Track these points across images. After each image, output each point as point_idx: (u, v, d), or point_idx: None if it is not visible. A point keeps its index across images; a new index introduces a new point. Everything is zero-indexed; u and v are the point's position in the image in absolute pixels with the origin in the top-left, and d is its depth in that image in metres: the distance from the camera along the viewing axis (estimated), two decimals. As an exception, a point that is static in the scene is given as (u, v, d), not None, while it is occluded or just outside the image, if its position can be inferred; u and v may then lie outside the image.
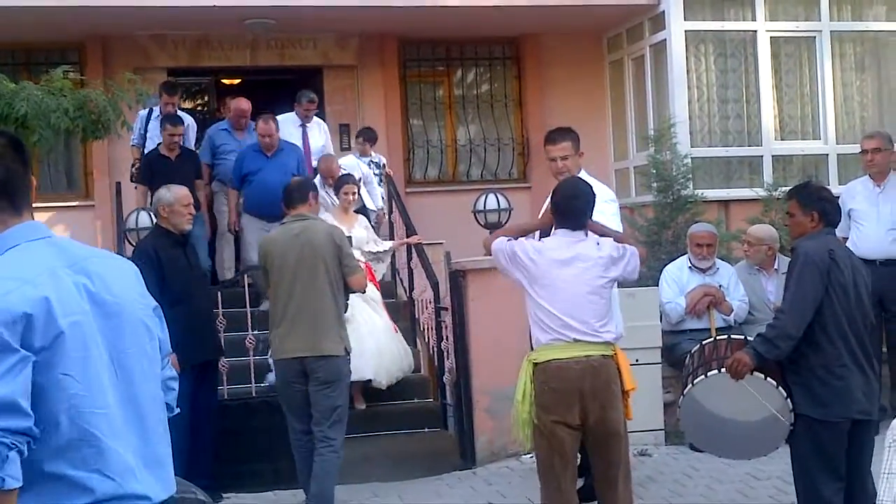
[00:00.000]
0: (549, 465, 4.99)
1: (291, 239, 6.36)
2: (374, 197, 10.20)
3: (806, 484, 4.97)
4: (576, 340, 4.92)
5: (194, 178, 9.49)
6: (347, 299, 6.60)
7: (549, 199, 6.16)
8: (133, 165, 10.22)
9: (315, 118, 10.62)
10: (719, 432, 5.26)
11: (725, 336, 5.68)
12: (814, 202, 5.07)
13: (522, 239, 5.21)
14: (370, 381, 8.39)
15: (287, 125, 10.24)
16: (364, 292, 7.22)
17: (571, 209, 5.11)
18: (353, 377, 8.22)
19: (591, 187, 5.28)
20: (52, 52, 11.28)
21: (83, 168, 11.57)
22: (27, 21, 10.39)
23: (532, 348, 5.17)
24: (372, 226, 9.42)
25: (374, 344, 8.33)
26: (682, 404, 5.23)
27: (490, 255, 5.33)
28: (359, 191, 9.14)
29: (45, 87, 7.24)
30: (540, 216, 5.73)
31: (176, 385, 2.86)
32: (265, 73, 12.31)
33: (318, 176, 9.58)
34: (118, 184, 10.41)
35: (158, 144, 9.78)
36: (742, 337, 5.45)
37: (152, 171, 9.47)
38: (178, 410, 2.86)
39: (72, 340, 2.42)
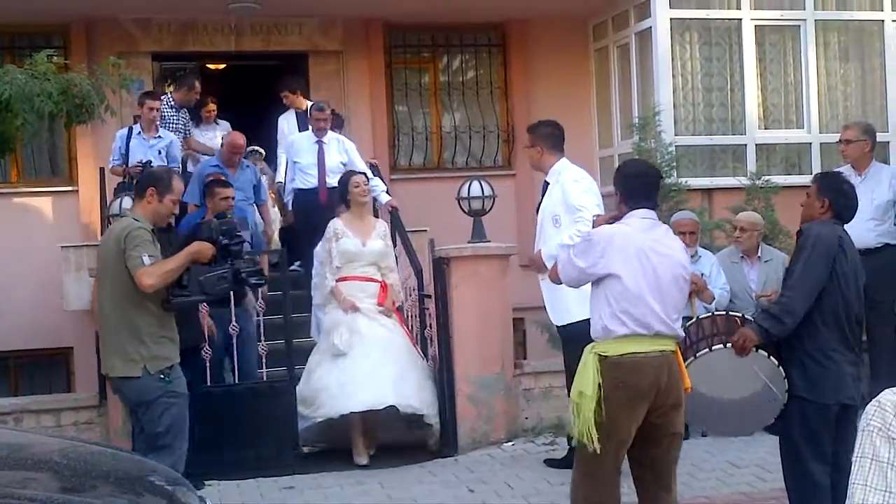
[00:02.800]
0: (602, 464, 4.51)
1: (101, 242, 5.52)
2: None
3: (795, 464, 5.05)
4: (656, 334, 4.52)
5: None
6: (170, 303, 5.55)
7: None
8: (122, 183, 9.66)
9: (335, 135, 9.98)
10: (713, 408, 5.25)
11: (724, 312, 5.72)
12: (829, 190, 5.16)
13: (603, 226, 4.78)
14: (394, 406, 7.42)
15: (302, 142, 9.90)
16: (151, 290, 5.39)
17: (643, 186, 4.75)
18: (367, 406, 7.33)
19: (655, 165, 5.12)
20: (37, 35, 11.22)
21: (67, 153, 11.52)
22: (11, 4, 10.34)
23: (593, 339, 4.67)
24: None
25: (392, 366, 7.50)
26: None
27: (562, 279, 4.80)
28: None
29: (28, 70, 7.21)
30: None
31: None
32: (250, 59, 12.28)
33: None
34: (102, 169, 10.34)
35: None
36: (740, 314, 5.52)
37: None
38: None
39: None
